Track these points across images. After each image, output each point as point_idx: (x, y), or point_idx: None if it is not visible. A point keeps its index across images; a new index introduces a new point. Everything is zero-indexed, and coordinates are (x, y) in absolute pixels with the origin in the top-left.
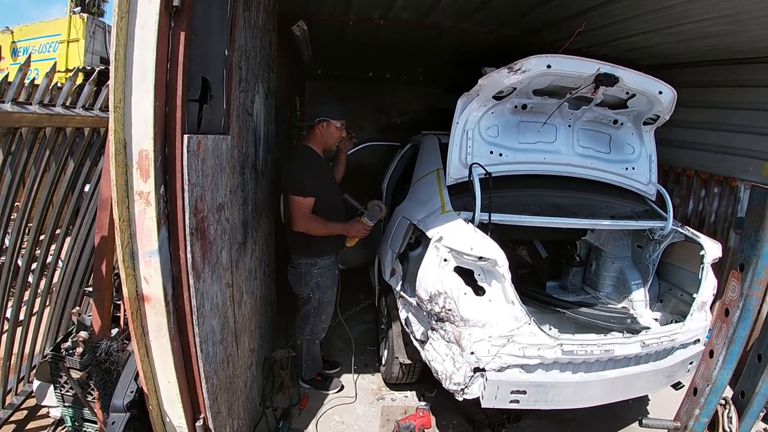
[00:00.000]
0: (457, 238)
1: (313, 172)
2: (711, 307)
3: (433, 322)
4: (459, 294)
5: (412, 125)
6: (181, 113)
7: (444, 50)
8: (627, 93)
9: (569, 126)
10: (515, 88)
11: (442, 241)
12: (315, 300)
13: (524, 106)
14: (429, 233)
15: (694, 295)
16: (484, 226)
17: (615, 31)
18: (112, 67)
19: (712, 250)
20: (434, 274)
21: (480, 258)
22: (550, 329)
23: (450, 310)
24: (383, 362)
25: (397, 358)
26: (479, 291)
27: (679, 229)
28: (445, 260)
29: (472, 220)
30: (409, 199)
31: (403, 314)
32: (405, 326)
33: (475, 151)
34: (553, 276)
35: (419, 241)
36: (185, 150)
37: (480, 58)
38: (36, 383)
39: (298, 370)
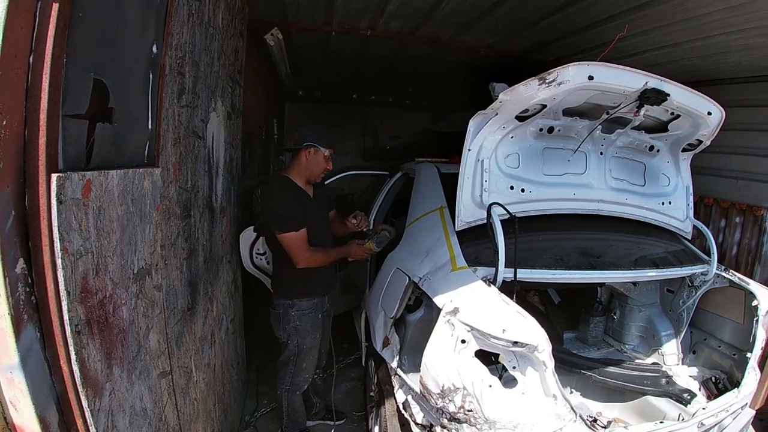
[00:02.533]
0: (480, 312)
1: (295, 204)
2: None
3: (445, 420)
4: (482, 388)
5: (404, 151)
6: (47, 137)
7: (438, 69)
8: (671, 113)
9: (601, 154)
10: (545, 106)
11: (458, 315)
12: (293, 345)
13: (550, 129)
14: (438, 300)
15: (748, 354)
16: (506, 286)
17: (632, 45)
18: None
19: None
20: (447, 361)
21: (515, 343)
22: (571, 392)
23: (471, 410)
24: None
25: None
26: (507, 379)
27: (724, 274)
28: (463, 342)
29: (493, 280)
30: (404, 245)
31: (400, 396)
32: (402, 408)
33: (492, 187)
34: (569, 326)
35: (420, 301)
36: (53, 198)
37: (478, 80)
38: None
39: (280, 426)
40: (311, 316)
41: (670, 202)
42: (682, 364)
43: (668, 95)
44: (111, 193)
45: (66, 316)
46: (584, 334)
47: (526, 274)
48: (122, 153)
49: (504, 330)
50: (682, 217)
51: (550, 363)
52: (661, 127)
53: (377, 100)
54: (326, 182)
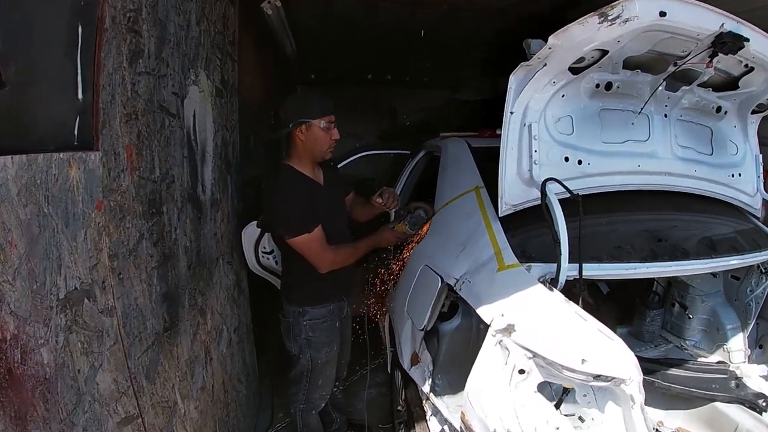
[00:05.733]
0: (545, 331)
1: (303, 198)
2: None
3: None
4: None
5: (424, 126)
6: None
7: (455, 38)
8: (745, 66)
9: (665, 116)
10: (604, 53)
11: (514, 336)
12: (306, 360)
13: (608, 86)
14: (484, 313)
15: None
16: (566, 287)
17: None
18: None
19: None
20: (500, 398)
21: (597, 377)
22: None
23: None
24: None
25: None
26: (572, 410)
27: None
28: (522, 372)
29: (553, 281)
30: (433, 236)
31: (434, 425)
32: None
33: (543, 158)
34: (620, 319)
35: (455, 306)
36: None
37: (500, 49)
38: None
39: None
40: (326, 325)
41: (740, 174)
42: (749, 361)
43: (747, 40)
44: (3, 189)
45: None
46: (639, 329)
47: (593, 271)
48: (27, 131)
49: (584, 360)
50: (752, 192)
51: (640, 397)
52: (730, 84)
53: (394, 80)
54: (338, 165)
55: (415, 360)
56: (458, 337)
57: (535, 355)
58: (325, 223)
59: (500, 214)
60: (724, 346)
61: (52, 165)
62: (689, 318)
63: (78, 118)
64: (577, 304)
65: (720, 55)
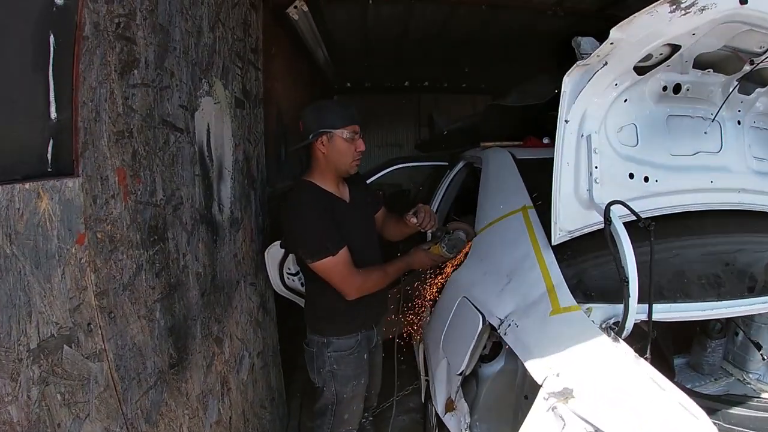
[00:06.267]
0: (611, 403)
1: (325, 218)
2: None
3: None
4: None
5: (464, 135)
6: None
7: (496, 39)
8: None
9: (739, 123)
10: (675, 49)
11: (571, 403)
12: (331, 394)
13: (677, 88)
14: (533, 368)
15: None
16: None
17: None
18: None
19: None
20: None
21: None
22: None
23: None
24: None
25: None
26: None
27: None
28: None
29: (619, 329)
30: (473, 262)
31: None
32: None
33: (604, 176)
34: (678, 348)
35: (498, 346)
36: None
37: (542, 52)
38: None
39: None
40: (353, 357)
41: None
42: None
43: None
44: None
45: None
46: (698, 359)
47: (664, 313)
48: None
49: None
50: None
51: None
52: None
53: (431, 86)
54: (368, 180)
55: (450, 406)
56: (501, 382)
57: (597, 430)
58: (352, 245)
59: (554, 242)
60: None
61: (14, 198)
62: (754, 349)
63: (51, 141)
64: (644, 355)
65: None
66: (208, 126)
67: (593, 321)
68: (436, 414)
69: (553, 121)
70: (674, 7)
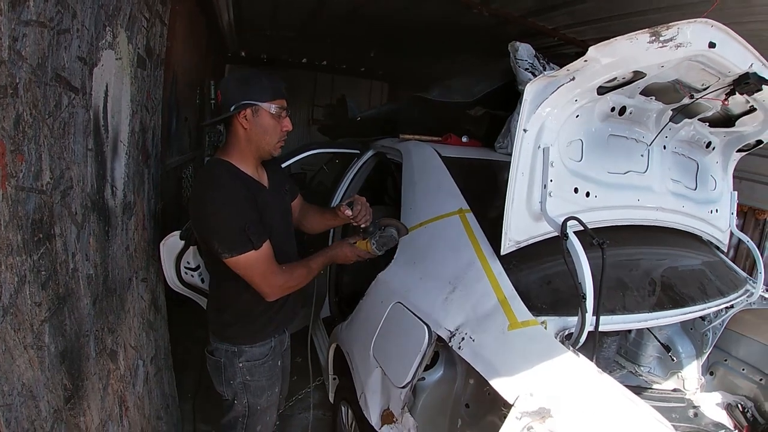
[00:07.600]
0: (591, 422)
1: (247, 205)
2: None
3: None
4: None
5: (376, 124)
6: None
7: (413, 27)
8: (750, 106)
9: (664, 148)
10: (639, 77)
11: (549, 424)
12: (242, 406)
13: (622, 110)
14: (501, 386)
15: None
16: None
17: None
18: None
19: None
20: None
21: None
22: None
23: None
24: None
25: None
26: None
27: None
28: None
29: (568, 340)
30: (403, 263)
31: None
32: None
33: (557, 189)
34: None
35: (436, 354)
36: None
37: (459, 47)
38: None
39: None
40: (267, 366)
41: (717, 210)
42: (701, 389)
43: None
44: None
45: None
46: (596, 354)
47: (607, 324)
48: None
49: None
50: (724, 228)
51: None
52: (726, 121)
53: (329, 66)
54: (283, 165)
55: (388, 419)
56: (440, 390)
57: None
58: (272, 238)
59: (503, 252)
60: (679, 374)
61: None
62: (645, 344)
63: None
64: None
65: (736, 93)
66: (107, 87)
67: (555, 338)
68: (354, 422)
69: (472, 121)
70: (654, 38)
